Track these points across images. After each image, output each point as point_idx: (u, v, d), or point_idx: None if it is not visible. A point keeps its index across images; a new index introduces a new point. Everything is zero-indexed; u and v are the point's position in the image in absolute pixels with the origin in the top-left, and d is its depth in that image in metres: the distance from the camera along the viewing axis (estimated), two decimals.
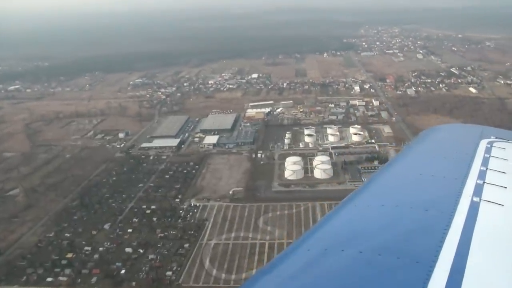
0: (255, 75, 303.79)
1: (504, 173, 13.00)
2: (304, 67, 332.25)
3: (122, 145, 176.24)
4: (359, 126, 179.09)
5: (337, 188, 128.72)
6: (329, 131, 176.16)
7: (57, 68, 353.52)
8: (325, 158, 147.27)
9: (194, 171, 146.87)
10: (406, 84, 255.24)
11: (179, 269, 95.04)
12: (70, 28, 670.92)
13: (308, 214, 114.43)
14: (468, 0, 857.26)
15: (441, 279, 7.67)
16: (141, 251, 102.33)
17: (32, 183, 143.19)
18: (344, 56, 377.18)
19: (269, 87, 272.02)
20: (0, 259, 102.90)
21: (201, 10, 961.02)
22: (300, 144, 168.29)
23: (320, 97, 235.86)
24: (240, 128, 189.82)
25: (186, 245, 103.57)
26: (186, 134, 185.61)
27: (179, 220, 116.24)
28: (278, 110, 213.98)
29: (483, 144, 15.55)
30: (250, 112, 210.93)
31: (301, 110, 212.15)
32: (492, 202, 10.97)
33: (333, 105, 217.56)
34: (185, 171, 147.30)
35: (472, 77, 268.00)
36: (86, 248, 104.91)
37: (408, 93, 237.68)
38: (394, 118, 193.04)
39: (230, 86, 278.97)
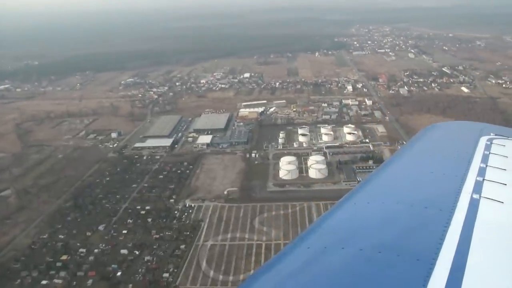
0: (247, 75, 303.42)
1: (504, 170, 12.91)
2: (296, 66, 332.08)
3: (115, 145, 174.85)
4: (353, 126, 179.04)
5: (332, 188, 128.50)
6: (323, 130, 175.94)
7: (47, 67, 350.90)
8: (320, 157, 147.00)
9: (188, 171, 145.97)
10: (399, 84, 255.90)
11: (175, 270, 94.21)
12: (59, 27, 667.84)
13: (304, 214, 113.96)
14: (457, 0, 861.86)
15: (441, 276, 7.63)
16: (137, 252, 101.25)
17: (24, 184, 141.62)
18: (336, 55, 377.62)
19: (262, 86, 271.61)
20: None
21: (190, 9, 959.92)
22: (294, 143, 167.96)
23: (313, 97, 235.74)
24: (234, 127, 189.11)
25: (182, 246, 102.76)
26: (179, 134, 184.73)
27: (174, 221, 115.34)
28: (271, 109, 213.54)
29: (483, 141, 15.47)
30: (243, 111, 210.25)
31: (294, 109, 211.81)
32: (492, 199, 10.93)
33: (326, 105, 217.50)
34: (179, 171, 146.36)
35: (464, 76, 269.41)
36: (81, 250, 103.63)
37: (401, 92, 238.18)
38: (387, 118, 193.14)
39: (222, 85, 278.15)
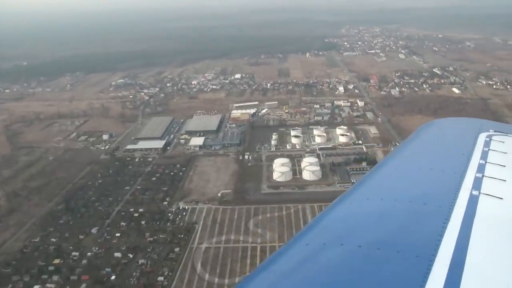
0: (238, 75, 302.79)
1: (503, 166, 13.01)
2: (287, 67, 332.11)
3: (107, 147, 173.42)
4: (345, 127, 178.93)
5: (326, 189, 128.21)
6: (315, 132, 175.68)
7: (36, 67, 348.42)
8: (313, 159, 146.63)
9: (181, 173, 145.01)
10: (390, 85, 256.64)
11: (170, 274, 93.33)
12: (53, 26, 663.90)
13: (299, 216, 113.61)
14: (446, 0, 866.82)
15: (441, 273, 7.66)
16: (131, 255, 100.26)
17: (14, 186, 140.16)
18: (326, 56, 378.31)
19: (253, 87, 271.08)
20: None
21: (181, 10, 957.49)
22: (287, 145, 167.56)
23: (305, 98, 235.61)
24: (226, 129, 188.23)
25: (177, 249, 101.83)
26: (171, 136, 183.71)
27: (168, 224, 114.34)
28: (263, 111, 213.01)
29: (482, 137, 15.57)
30: (235, 113, 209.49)
31: (286, 111, 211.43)
32: (492, 196, 10.99)
33: (318, 106, 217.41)
34: (172, 173, 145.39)
35: (454, 77, 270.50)
36: (73, 253, 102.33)
37: (392, 93, 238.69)
38: (379, 119, 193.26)
39: (214, 86, 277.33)
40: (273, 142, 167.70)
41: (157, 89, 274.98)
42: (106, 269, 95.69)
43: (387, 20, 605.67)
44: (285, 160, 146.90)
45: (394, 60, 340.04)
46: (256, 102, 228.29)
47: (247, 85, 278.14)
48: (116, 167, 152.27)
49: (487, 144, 14.84)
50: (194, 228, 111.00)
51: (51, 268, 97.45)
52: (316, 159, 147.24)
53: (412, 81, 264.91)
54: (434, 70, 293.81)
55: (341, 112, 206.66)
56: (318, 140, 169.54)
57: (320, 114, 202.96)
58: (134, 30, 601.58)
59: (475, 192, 10.99)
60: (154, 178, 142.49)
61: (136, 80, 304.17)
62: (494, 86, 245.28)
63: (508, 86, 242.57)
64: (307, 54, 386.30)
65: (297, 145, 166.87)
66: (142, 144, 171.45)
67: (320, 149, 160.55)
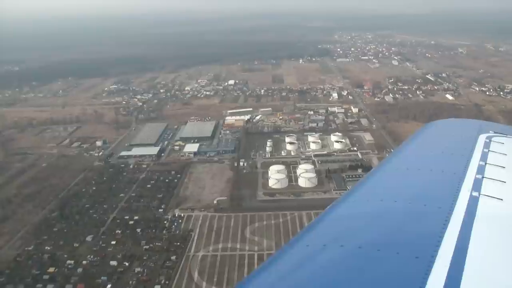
0: (231, 82, 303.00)
1: (503, 167, 13.07)
2: (280, 73, 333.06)
3: (100, 153, 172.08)
4: (340, 134, 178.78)
5: (323, 197, 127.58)
6: (310, 138, 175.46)
7: (28, 73, 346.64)
8: (309, 166, 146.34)
9: (176, 180, 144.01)
10: (384, 91, 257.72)
11: (167, 282, 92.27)
12: (39, 32, 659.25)
13: (296, 224, 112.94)
14: (437, 7, 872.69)
15: (441, 274, 7.65)
16: (127, 264, 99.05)
17: (7, 193, 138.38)
18: (320, 62, 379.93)
19: (247, 93, 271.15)
20: None
21: (171, 15, 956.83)
22: (282, 152, 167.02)
23: (299, 104, 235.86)
24: (220, 136, 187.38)
25: (173, 257, 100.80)
26: (166, 142, 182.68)
27: (164, 231, 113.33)
28: (258, 117, 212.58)
29: (482, 138, 15.67)
30: (230, 119, 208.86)
31: (281, 117, 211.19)
32: (491, 197, 11.02)
33: (312, 112, 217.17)
34: (167, 180, 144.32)
35: (448, 83, 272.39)
36: (68, 261, 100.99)
37: (386, 100, 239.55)
38: (374, 125, 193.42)
39: (207, 92, 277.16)
40: (268, 149, 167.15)
41: (150, 95, 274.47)
42: (102, 277, 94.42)
43: (379, 26, 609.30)
44: (280, 167, 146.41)
45: (387, 67, 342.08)
46: (250, 109, 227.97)
47: (241, 91, 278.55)
48: (111, 174, 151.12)
49: (487, 145, 14.97)
50: (190, 236, 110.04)
51: (45, 277, 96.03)
52: (312, 166, 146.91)
53: (406, 87, 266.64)
54: (427, 76, 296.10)
55: (335, 119, 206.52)
56: (313, 146, 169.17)
57: (314, 121, 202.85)
58: (126, 36, 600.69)
59: (475, 193, 11.05)
60: (149, 185, 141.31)
61: (129, 85, 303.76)
62: (487, 93, 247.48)
63: (501, 93, 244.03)
64: (301, 60, 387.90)
65: (292, 152, 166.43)
66: (136, 151, 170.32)
67: (315, 155, 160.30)
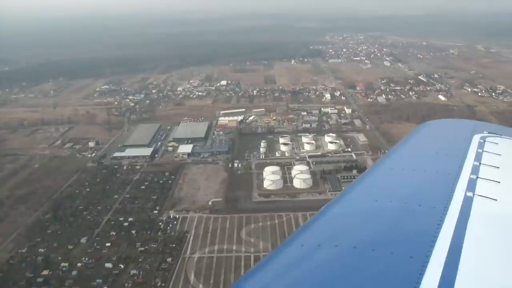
0: (224, 82, 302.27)
1: (497, 167, 13.09)
2: (273, 74, 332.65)
3: (93, 154, 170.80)
4: (334, 135, 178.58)
5: (318, 198, 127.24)
6: (304, 139, 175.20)
7: (18, 73, 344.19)
8: (304, 167, 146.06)
9: (170, 182, 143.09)
10: (377, 92, 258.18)
11: (163, 285, 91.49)
12: (29, 32, 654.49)
13: (291, 225, 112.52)
14: (428, 8, 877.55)
15: (435, 274, 7.64)
16: (122, 266, 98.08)
17: None
18: (312, 63, 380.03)
19: (239, 94, 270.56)
20: None
21: (162, 15, 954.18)
22: (276, 153, 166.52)
23: (292, 105, 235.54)
24: (214, 136, 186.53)
25: (169, 259, 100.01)
26: (159, 143, 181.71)
27: (159, 233, 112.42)
28: (251, 118, 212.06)
29: (476, 139, 15.71)
30: (223, 120, 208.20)
31: (274, 118, 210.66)
32: (486, 197, 11.04)
33: (305, 113, 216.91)
34: (161, 181, 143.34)
35: (440, 84, 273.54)
36: (63, 264, 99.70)
37: (379, 100, 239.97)
38: (367, 126, 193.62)
39: (199, 93, 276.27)
40: (262, 150, 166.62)
41: (142, 95, 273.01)
42: (97, 280, 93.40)
43: (370, 27, 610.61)
44: (275, 168, 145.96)
45: (379, 67, 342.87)
46: (243, 109, 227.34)
47: (233, 91, 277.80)
48: (104, 175, 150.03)
49: (481, 145, 15.00)
50: (185, 237, 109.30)
51: (39, 280, 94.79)
52: (307, 167, 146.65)
53: (398, 88, 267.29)
54: (419, 77, 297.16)
55: (328, 120, 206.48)
56: (307, 147, 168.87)
57: (308, 122, 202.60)
58: (117, 35, 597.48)
59: (469, 194, 11.07)
60: (143, 187, 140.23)
61: (120, 86, 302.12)
62: (480, 94, 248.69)
63: (493, 94, 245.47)
64: (293, 61, 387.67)
65: (286, 153, 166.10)
66: (129, 152, 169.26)
67: (310, 156, 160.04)
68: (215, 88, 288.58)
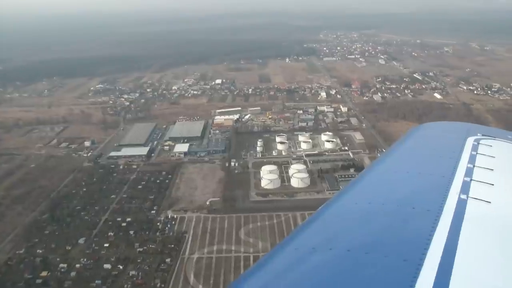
0: (218, 81, 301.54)
1: (491, 170, 13.12)
2: (267, 72, 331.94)
3: (89, 153, 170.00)
4: (330, 133, 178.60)
5: (316, 197, 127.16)
6: (301, 138, 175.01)
7: (12, 72, 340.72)
8: (301, 166, 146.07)
9: (167, 181, 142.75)
10: (372, 90, 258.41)
11: (163, 285, 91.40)
12: (23, 30, 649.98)
13: (290, 225, 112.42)
14: (422, 6, 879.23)
15: (429, 277, 7.67)
16: (121, 267, 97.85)
17: None
18: (306, 61, 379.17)
19: (235, 93, 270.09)
20: None
21: (155, 13, 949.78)
22: (273, 152, 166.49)
23: (287, 103, 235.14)
24: (210, 135, 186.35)
25: (168, 260, 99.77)
26: (155, 142, 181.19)
27: (158, 233, 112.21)
28: (247, 116, 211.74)
29: (470, 141, 15.75)
30: (219, 119, 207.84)
31: (270, 116, 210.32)
32: (480, 200, 11.07)
33: (301, 112, 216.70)
34: (158, 181, 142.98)
35: (435, 82, 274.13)
36: (61, 265, 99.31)
37: (375, 99, 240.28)
38: (364, 125, 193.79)
39: (195, 92, 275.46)
40: (258, 149, 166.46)
41: (137, 94, 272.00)
42: (97, 281, 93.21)
43: (364, 25, 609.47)
44: (272, 167, 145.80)
45: (374, 66, 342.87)
46: (239, 108, 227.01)
47: (228, 90, 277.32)
48: (101, 175, 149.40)
49: (475, 148, 15.04)
50: (184, 237, 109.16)
51: (38, 281, 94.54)
52: (304, 166, 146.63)
53: (394, 86, 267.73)
54: (414, 75, 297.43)
55: (325, 118, 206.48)
56: (303, 146, 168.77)
57: (304, 120, 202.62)
58: (110, 34, 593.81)
59: (463, 196, 11.10)
60: (140, 186, 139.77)
61: (115, 85, 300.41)
62: (475, 92, 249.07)
63: (489, 92, 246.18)
64: (287, 59, 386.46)
65: (283, 152, 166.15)
66: (125, 151, 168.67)
67: (307, 155, 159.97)
68: (210, 87, 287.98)
